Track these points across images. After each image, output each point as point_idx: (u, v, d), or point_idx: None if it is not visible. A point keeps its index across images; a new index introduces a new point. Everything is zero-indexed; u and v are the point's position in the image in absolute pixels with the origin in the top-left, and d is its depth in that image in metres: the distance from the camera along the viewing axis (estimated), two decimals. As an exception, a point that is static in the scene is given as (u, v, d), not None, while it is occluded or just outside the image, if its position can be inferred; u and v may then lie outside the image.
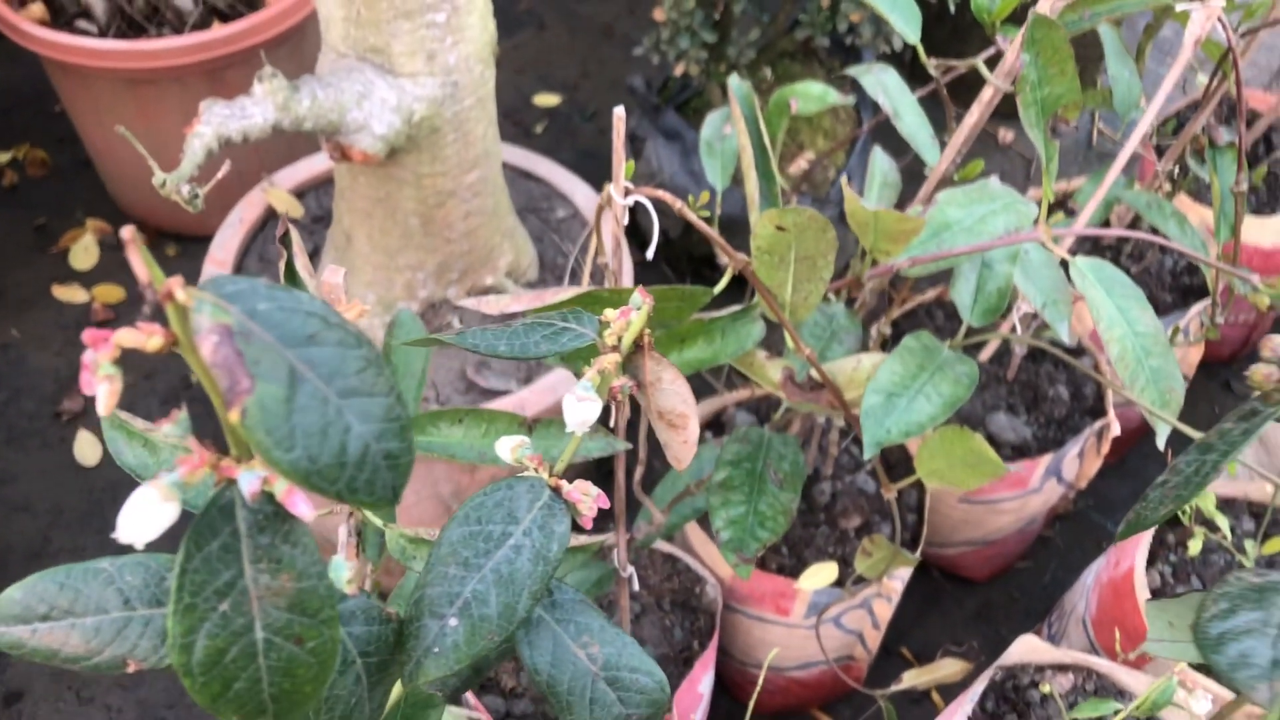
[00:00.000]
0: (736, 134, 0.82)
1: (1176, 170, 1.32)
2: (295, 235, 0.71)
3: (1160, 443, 0.72)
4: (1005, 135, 1.08)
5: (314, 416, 0.26)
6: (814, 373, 0.74)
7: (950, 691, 1.32)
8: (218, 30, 1.44)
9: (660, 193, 0.67)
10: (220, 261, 1.23)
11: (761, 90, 1.67)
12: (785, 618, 1.18)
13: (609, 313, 0.39)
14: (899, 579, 1.13)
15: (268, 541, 0.29)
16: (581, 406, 0.36)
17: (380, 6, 0.97)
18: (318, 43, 1.68)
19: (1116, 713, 0.73)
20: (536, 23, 2.08)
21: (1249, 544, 1.07)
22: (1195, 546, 0.96)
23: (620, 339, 0.38)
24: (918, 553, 1.07)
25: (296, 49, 1.56)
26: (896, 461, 1.24)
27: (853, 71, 0.95)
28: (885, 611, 1.18)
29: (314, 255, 1.28)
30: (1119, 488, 1.54)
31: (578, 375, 0.41)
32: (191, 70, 1.45)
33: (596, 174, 1.71)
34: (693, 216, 0.68)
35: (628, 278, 1.30)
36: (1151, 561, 1.15)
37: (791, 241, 0.65)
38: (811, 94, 1.26)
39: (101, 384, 0.27)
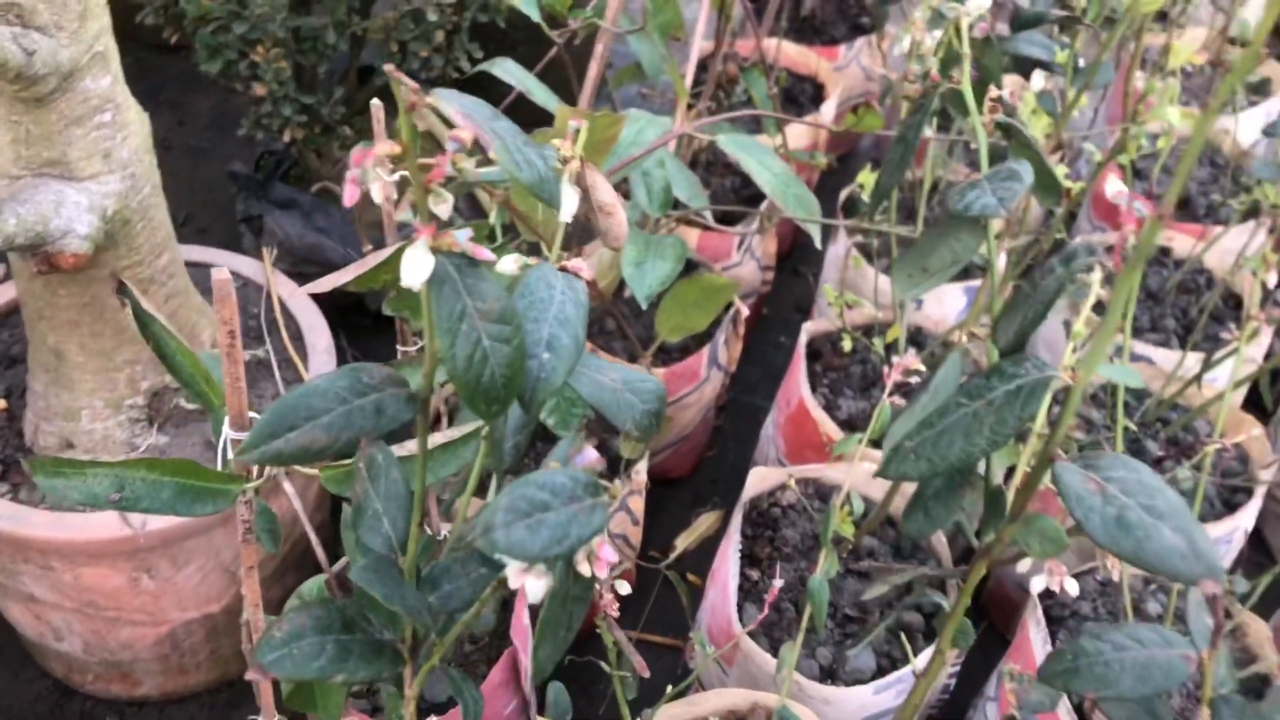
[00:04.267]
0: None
1: (713, 105, 1.66)
2: (131, 286, 0.80)
3: (817, 243, 0.99)
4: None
5: (519, 155, 0.42)
6: (571, 274, 0.94)
7: (701, 569, 1.56)
8: None
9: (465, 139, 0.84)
10: (-84, 428, 1.21)
11: (343, 146, 1.83)
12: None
13: (556, 142, 0.56)
14: (642, 472, 1.35)
15: (471, 281, 0.44)
16: (570, 198, 0.53)
17: (50, 120, 1.04)
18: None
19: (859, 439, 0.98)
20: (89, 155, 2.09)
21: (877, 341, 1.40)
22: (848, 344, 1.26)
23: (573, 153, 0.56)
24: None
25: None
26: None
27: (484, 66, 1.15)
28: (639, 506, 1.40)
29: (10, 395, 1.28)
30: (752, 371, 1.87)
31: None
32: None
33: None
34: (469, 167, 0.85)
35: (323, 346, 1.41)
36: (812, 390, 1.46)
37: (540, 163, 0.84)
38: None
39: (374, 183, 0.42)
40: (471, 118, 0.42)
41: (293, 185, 1.75)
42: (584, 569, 0.46)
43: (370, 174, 0.44)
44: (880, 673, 1.21)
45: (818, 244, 0.99)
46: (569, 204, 0.53)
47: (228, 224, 1.99)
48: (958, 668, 1.29)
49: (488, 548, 0.40)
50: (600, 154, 0.93)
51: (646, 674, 0.86)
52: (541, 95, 1.16)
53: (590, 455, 0.44)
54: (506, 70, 1.16)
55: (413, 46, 1.57)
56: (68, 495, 0.70)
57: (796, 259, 2.08)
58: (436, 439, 0.72)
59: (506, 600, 1.26)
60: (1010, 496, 0.63)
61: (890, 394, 0.99)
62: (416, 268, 0.43)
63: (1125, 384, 0.91)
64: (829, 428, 1.39)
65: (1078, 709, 1.18)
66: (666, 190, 1.07)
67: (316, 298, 1.80)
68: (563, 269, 0.53)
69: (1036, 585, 1.03)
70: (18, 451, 1.23)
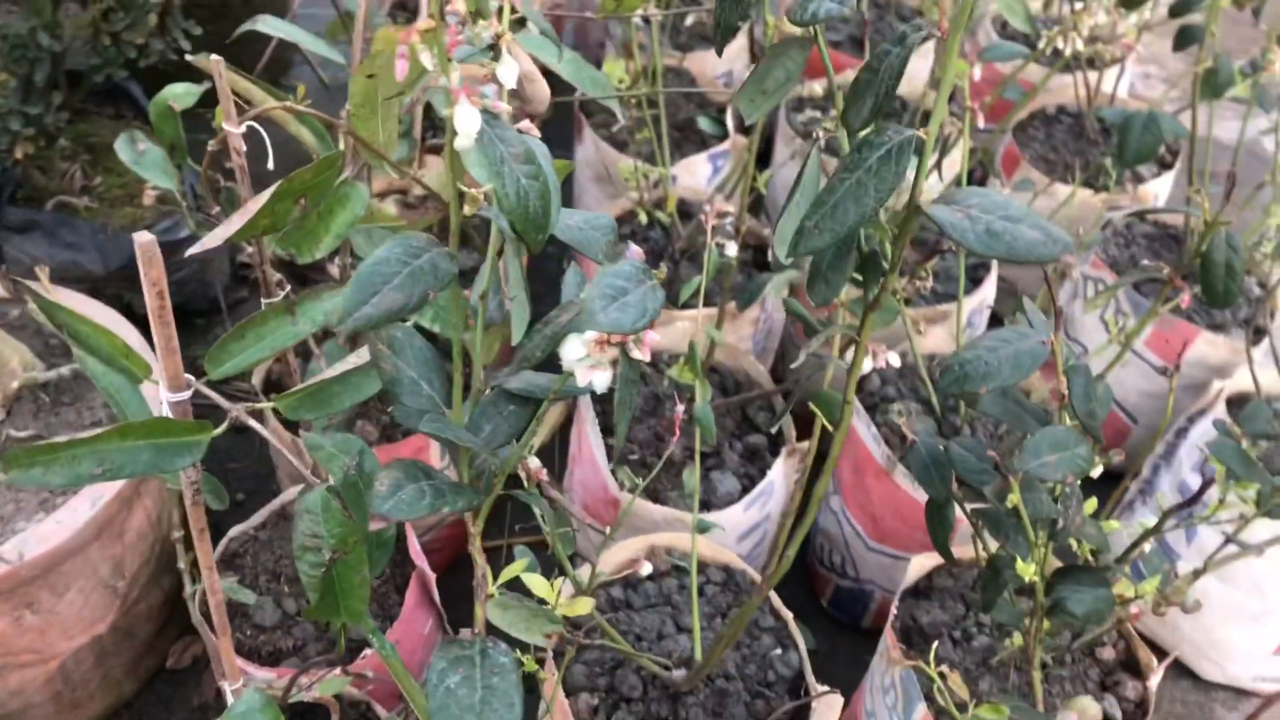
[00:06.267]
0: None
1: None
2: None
3: (620, 118, 1.09)
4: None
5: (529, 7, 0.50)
6: (417, 190, 1.00)
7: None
8: None
9: (277, 105, 0.88)
10: None
11: (65, 157, 1.76)
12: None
13: (483, 23, 0.63)
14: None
15: (499, 131, 0.51)
16: (510, 69, 0.60)
17: None
18: None
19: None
20: None
21: (660, 215, 1.52)
22: (644, 218, 1.37)
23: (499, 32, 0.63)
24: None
25: None
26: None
27: (248, 26, 1.17)
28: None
29: None
30: (534, 285, 1.96)
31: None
32: None
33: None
34: (298, 107, 0.90)
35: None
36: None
37: (378, 85, 0.90)
38: (178, 93, 1.44)
39: (423, 54, 0.48)
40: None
41: (24, 207, 1.67)
42: (635, 354, 0.55)
43: (419, 47, 0.50)
44: (744, 492, 1.36)
45: (620, 120, 1.09)
46: (511, 72, 0.60)
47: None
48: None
49: (591, 327, 0.48)
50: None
51: (587, 519, 0.95)
52: (310, 42, 1.20)
53: (636, 250, 0.53)
54: (271, 25, 1.18)
55: (126, 36, 1.53)
56: (49, 482, 0.71)
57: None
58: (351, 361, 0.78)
59: (400, 536, 1.32)
60: (890, 251, 0.77)
61: (713, 237, 1.12)
62: (469, 123, 0.50)
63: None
64: (635, 301, 1.50)
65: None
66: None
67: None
68: (521, 130, 0.61)
69: (865, 366, 1.20)
70: None
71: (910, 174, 0.71)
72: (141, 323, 1.79)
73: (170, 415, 0.81)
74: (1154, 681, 1.18)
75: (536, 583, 0.86)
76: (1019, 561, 0.81)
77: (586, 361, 0.54)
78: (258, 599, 1.21)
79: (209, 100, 1.21)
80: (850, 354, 1.19)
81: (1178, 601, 0.82)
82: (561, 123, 2.05)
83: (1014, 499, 0.78)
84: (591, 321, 0.49)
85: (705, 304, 1.53)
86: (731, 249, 1.13)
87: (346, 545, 0.72)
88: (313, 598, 0.75)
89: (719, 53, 0.77)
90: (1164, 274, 0.98)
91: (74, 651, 1.27)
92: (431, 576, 1.28)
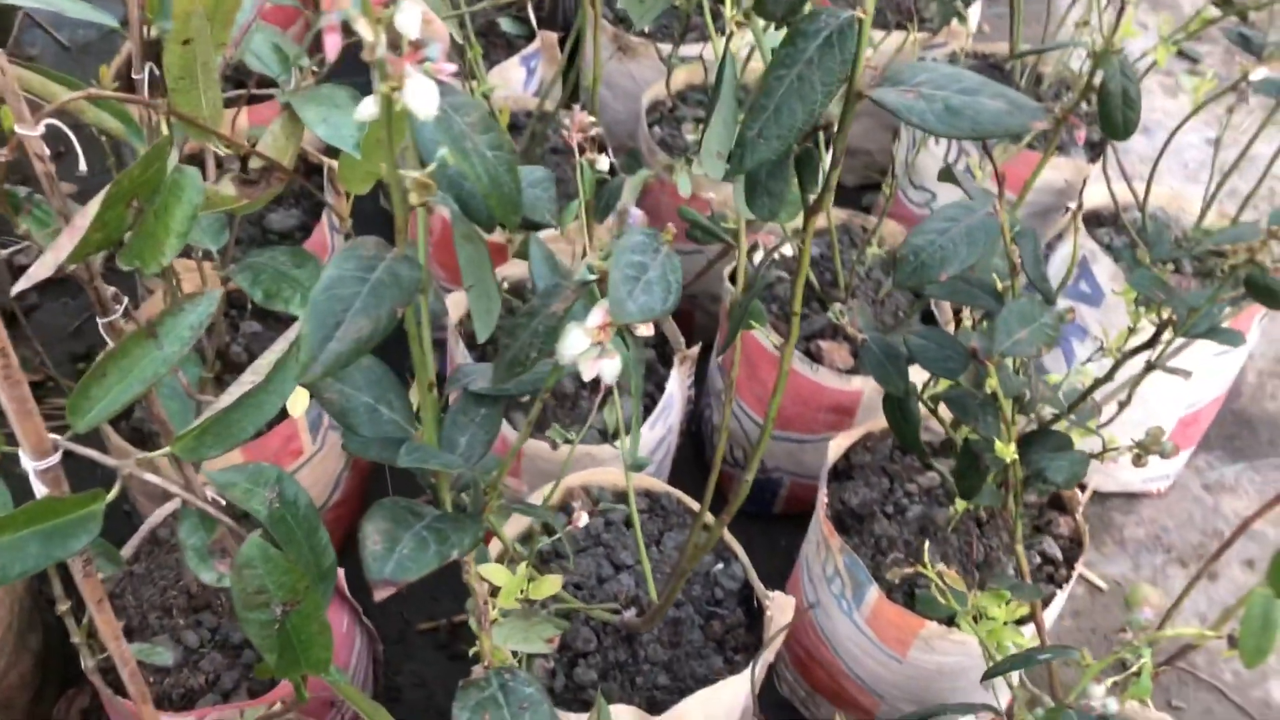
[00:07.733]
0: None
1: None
2: None
3: (458, 37, 0.97)
4: None
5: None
6: (255, 162, 0.87)
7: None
8: None
9: (80, 94, 0.74)
10: None
11: None
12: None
13: None
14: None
15: (452, 100, 0.41)
16: (412, 14, 0.50)
17: None
18: None
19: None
20: None
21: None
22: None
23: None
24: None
25: None
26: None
27: None
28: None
29: None
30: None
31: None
32: None
33: None
34: (106, 92, 0.76)
35: None
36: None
37: (195, 52, 0.76)
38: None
39: (359, 20, 0.38)
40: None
41: None
42: (641, 332, 0.46)
43: (352, 11, 0.39)
44: (648, 412, 1.30)
45: (457, 39, 0.98)
46: (413, 19, 0.50)
47: None
48: (692, 378, 1.40)
49: (624, 318, 0.40)
50: (229, 22, 0.86)
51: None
52: (73, 8, 1.03)
53: (638, 213, 0.44)
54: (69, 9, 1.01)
55: None
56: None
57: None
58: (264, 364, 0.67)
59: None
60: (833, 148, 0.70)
61: (582, 153, 1.02)
62: (427, 100, 0.40)
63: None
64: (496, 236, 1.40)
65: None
66: (288, 53, 1.00)
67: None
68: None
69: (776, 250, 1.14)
70: None
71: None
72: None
73: (42, 487, 0.68)
74: (1080, 515, 1.20)
75: (499, 575, 0.78)
76: (998, 443, 0.78)
77: (592, 353, 0.45)
78: (153, 639, 1.09)
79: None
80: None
81: (1156, 450, 0.81)
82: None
83: (992, 383, 0.74)
84: (622, 313, 0.40)
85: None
86: (603, 162, 1.04)
87: (298, 593, 0.62)
88: (270, 659, 0.65)
89: None
90: (1056, 113, 0.95)
91: (-52, 745, 1.12)
92: (340, 573, 1.17)
